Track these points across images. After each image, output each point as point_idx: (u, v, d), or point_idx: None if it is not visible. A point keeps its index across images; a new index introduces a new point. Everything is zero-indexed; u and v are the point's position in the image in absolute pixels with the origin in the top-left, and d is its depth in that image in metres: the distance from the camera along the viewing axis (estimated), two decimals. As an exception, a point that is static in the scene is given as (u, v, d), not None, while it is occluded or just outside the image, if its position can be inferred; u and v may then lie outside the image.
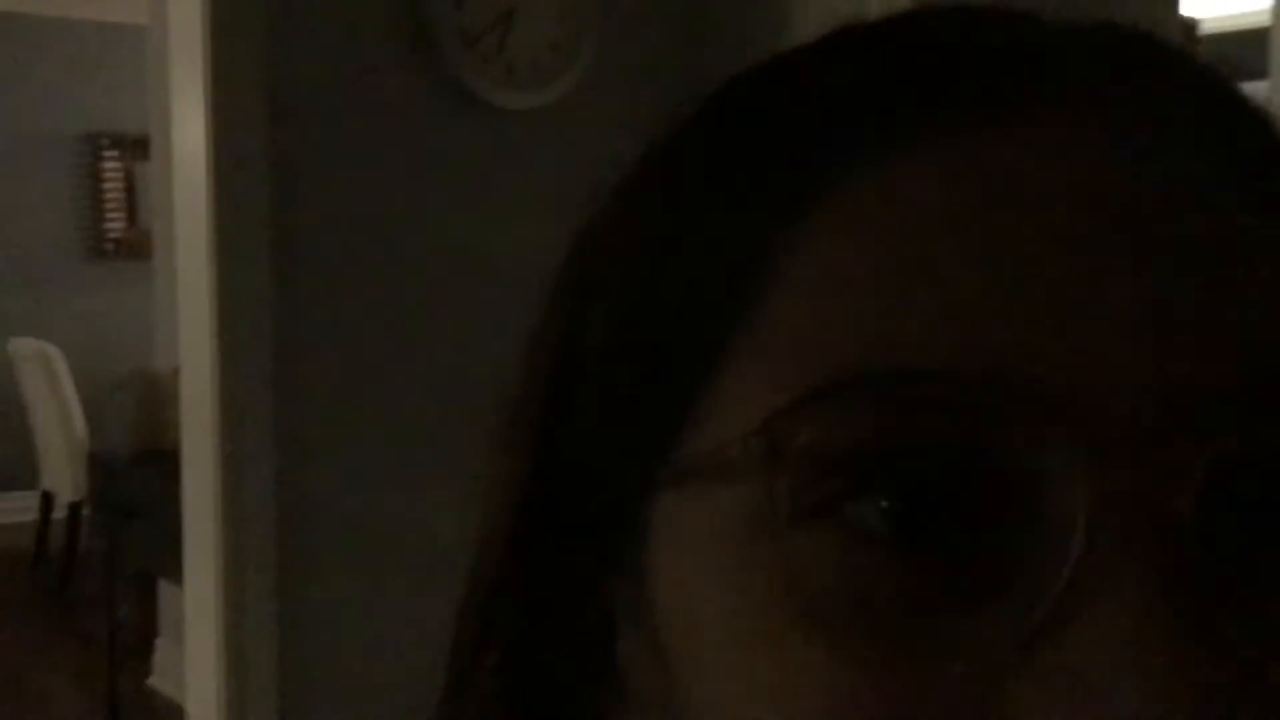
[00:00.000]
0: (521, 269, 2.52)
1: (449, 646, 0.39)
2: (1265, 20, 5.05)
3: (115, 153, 6.97)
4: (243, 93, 2.12)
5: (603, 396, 0.34)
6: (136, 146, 6.91)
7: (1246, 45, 4.65)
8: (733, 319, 0.31)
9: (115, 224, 7.02)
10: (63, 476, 5.51)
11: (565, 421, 0.35)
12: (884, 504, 0.28)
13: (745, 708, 0.30)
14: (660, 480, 0.32)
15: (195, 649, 2.30)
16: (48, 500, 5.83)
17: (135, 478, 3.59)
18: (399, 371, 2.30)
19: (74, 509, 5.51)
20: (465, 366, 2.37)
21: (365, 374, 2.27)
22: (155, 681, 4.47)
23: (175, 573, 3.32)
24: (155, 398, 3.75)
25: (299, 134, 2.19)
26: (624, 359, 0.34)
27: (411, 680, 2.13)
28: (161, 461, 3.55)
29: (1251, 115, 0.33)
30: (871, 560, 0.28)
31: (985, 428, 0.28)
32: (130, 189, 7.00)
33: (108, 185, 6.98)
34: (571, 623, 0.36)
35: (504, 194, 2.38)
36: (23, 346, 5.66)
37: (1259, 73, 5.20)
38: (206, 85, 2.11)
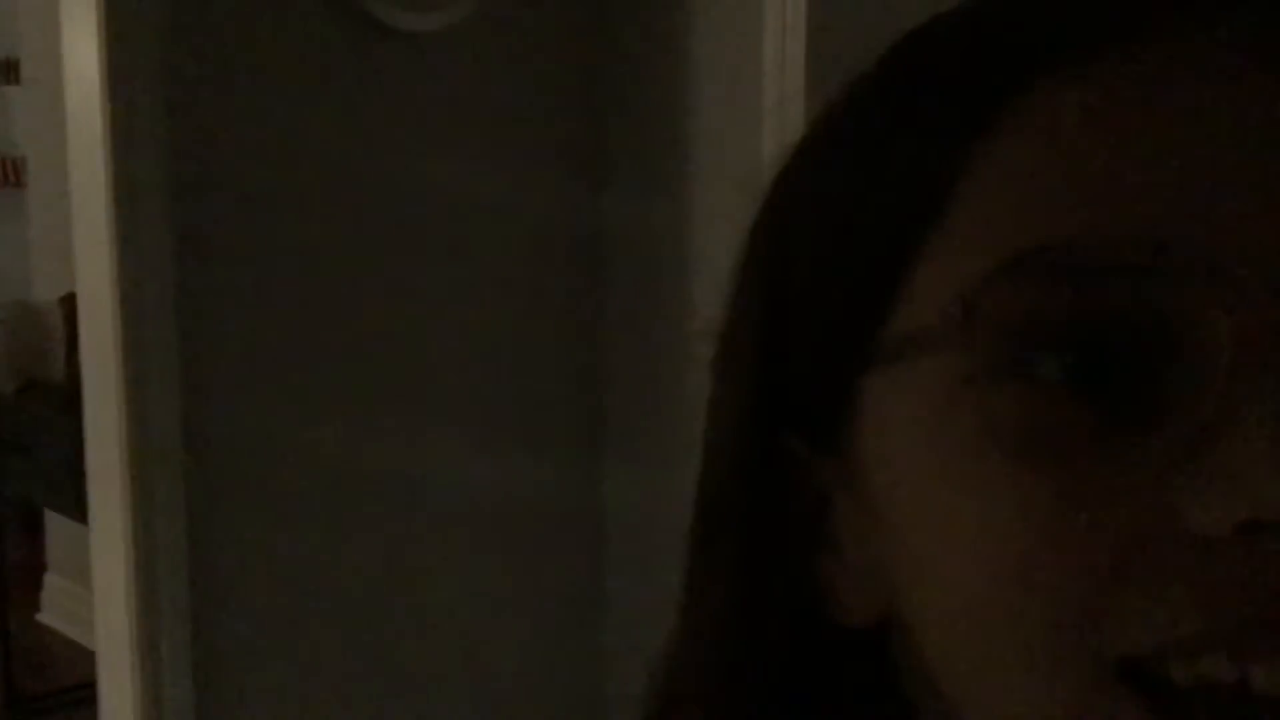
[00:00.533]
0: (418, 190, 2.53)
1: (689, 525, 0.45)
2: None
3: (-23, 77, 6.72)
4: (135, 15, 2.07)
5: (815, 296, 0.40)
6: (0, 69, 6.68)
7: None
8: (929, 217, 0.37)
9: (-21, 151, 6.78)
10: (-64, 413, 5.37)
11: (781, 328, 0.42)
12: (1064, 358, 0.34)
13: (953, 553, 0.36)
14: (869, 363, 0.38)
15: (103, 585, 2.27)
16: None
17: (18, 411, 3.51)
18: (301, 297, 2.28)
19: (-51, 445, 5.37)
20: (368, 290, 2.36)
21: (268, 300, 2.25)
22: (45, 617, 4.40)
23: (65, 506, 3.27)
24: (36, 329, 3.66)
25: (194, 56, 2.14)
26: (834, 261, 0.40)
27: (326, 609, 2.16)
28: (45, 394, 3.48)
29: None
30: (1055, 404, 0.34)
31: (1144, 287, 0.34)
32: (-9, 114, 6.76)
33: (-31, 110, 6.74)
34: (792, 500, 0.42)
35: (401, 117, 2.36)
36: (-113, 279, 5.47)
37: None
38: (99, 7, 2.05)
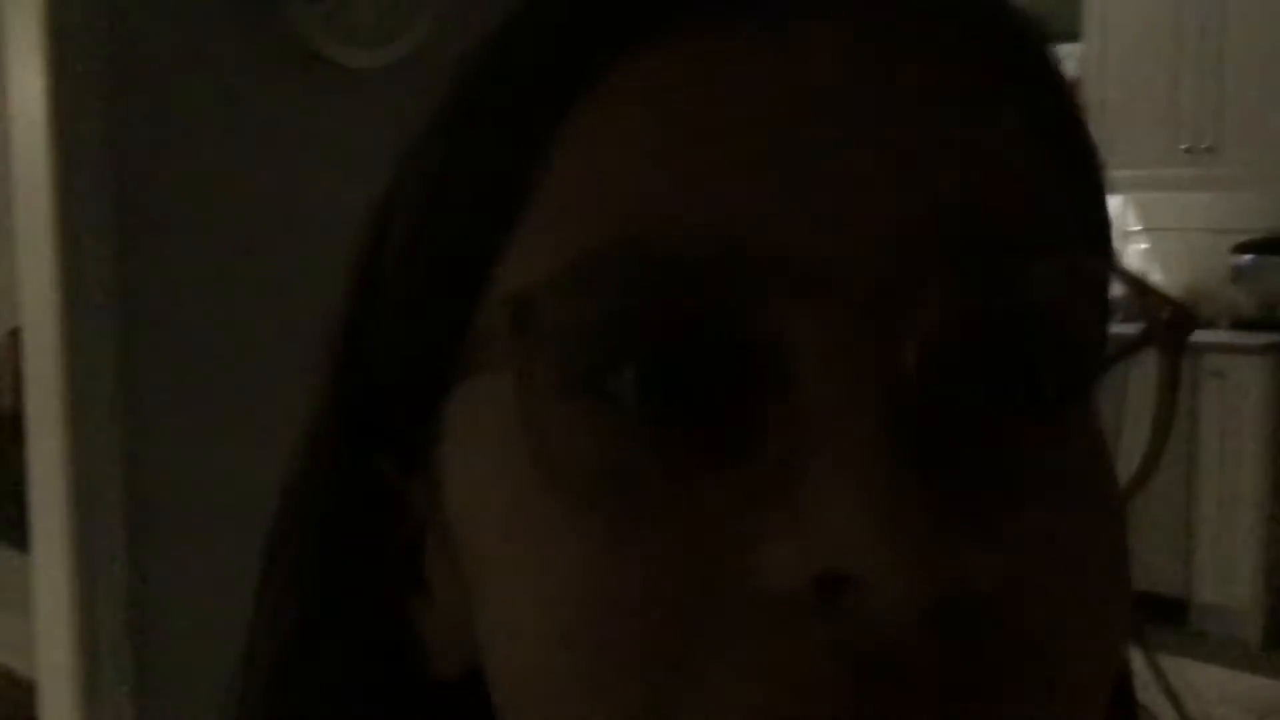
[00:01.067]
0: (359, 225, 2.54)
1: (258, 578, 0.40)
2: (1078, -16, 5.24)
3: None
4: (80, 54, 2.10)
5: (402, 292, 0.35)
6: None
7: (1060, 5, 4.83)
8: (510, 210, 0.32)
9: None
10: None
11: (365, 331, 0.37)
12: (631, 376, 0.29)
13: (517, 604, 0.30)
14: (450, 376, 0.33)
15: (45, 619, 2.27)
16: None
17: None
18: (244, 331, 2.30)
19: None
20: (306, 323, 2.38)
21: (210, 335, 2.27)
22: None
23: (12, 536, 3.26)
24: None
25: (139, 92, 2.17)
26: (417, 260, 0.35)
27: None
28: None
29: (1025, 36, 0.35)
30: (624, 432, 0.29)
31: (723, 296, 0.28)
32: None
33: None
34: (379, 534, 0.36)
35: (345, 152, 2.39)
36: None
37: (1072, 35, 5.42)
38: (44, 43, 2.07)
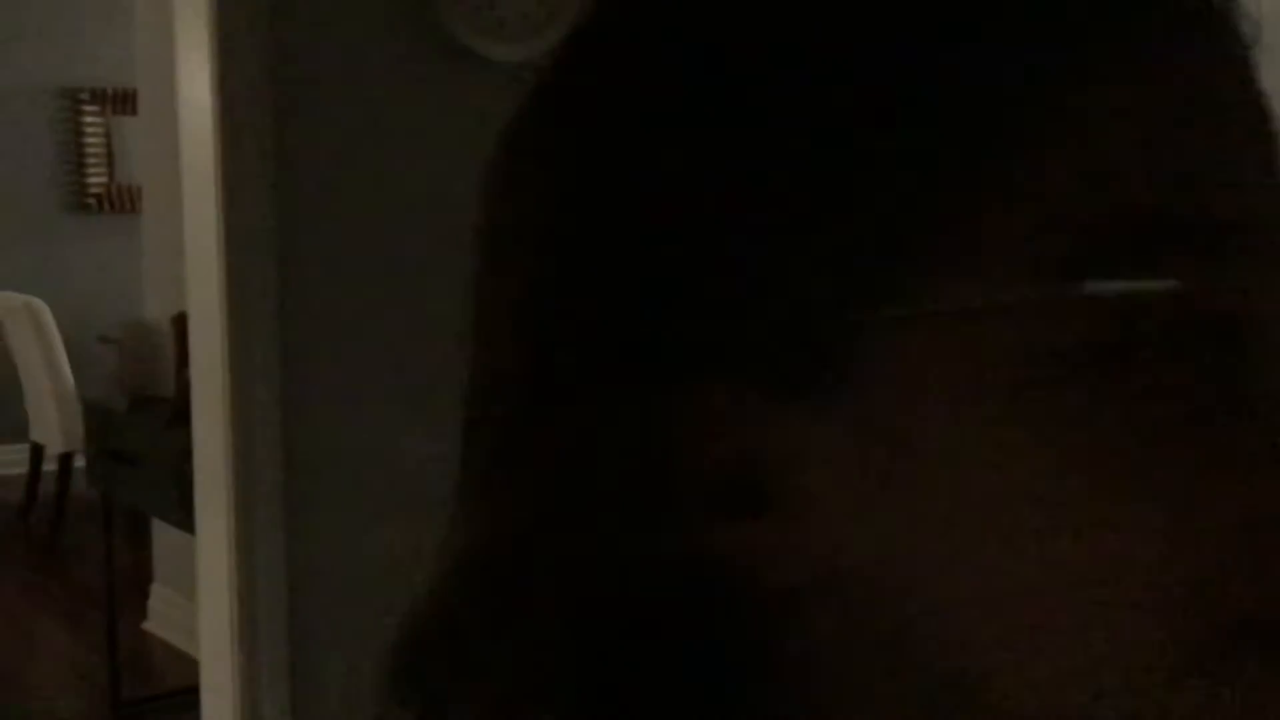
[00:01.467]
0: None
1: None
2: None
3: (95, 107, 6.97)
4: (246, 47, 2.18)
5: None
6: (115, 101, 6.92)
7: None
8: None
9: (96, 178, 7.03)
10: (52, 428, 5.56)
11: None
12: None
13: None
14: (887, 306, 0.35)
15: (207, 594, 2.36)
16: (37, 452, 5.88)
17: (131, 424, 3.65)
18: (402, 316, 2.36)
19: (64, 459, 5.56)
20: (455, 305, 2.44)
21: (369, 319, 2.33)
22: (151, 626, 4.54)
23: (172, 515, 3.39)
24: (149, 346, 3.80)
25: (300, 87, 2.24)
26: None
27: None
28: (156, 408, 3.62)
29: None
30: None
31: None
32: (109, 143, 7.00)
33: (88, 139, 6.99)
34: (689, 455, 0.38)
35: (490, 145, 2.44)
36: (8, 300, 5.68)
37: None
38: (212, 41, 2.16)
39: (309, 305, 2.28)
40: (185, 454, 2.53)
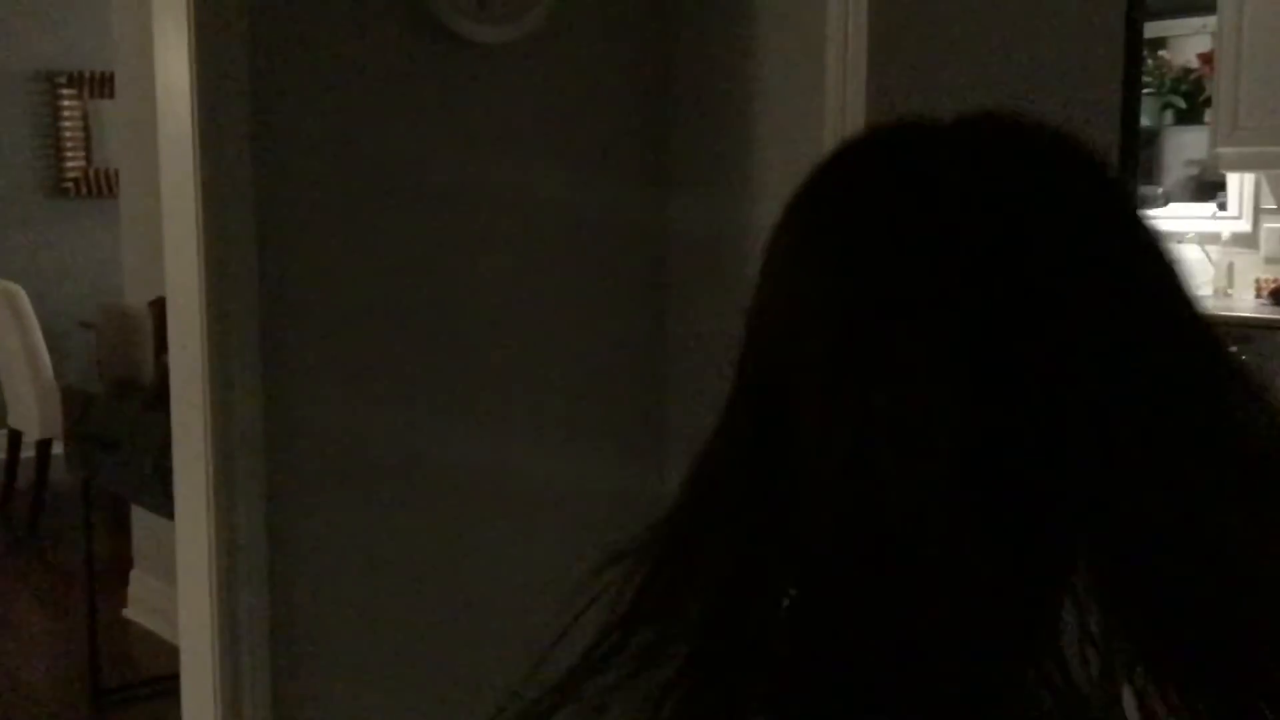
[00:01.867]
0: (490, 201, 2.59)
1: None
2: (1215, -47, 5.10)
3: (72, 90, 6.92)
4: (224, 30, 2.16)
5: None
6: (93, 84, 6.87)
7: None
8: None
9: (74, 163, 6.98)
10: (30, 415, 5.53)
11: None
12: None
13: None
14: None
15: (186, 580, 2.35)
16: (15, 439, 5.86)
17: (110, 409, 3.63)
18: (381, 297, 2.36)
19: (42, 446, 5.53)
20: (441, 290, 2.43)
21: (349, 300, 2.33)
22: (130, 613, 4.53)
23: (152, 500, 3.38)
24: (127, 331, 3.78)
25: (279, 70, 2.23)
26: None
27: (404, 607, 2.22)
28: (135, 393, 3.60)
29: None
30: None
31: None
32: (87, 127, 6.96)
33: (65, 123, 6.94)
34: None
35: (476, 124, 2.44)
36: (-15, 285, 5.65)
37: (1208, 6, 5.27)
38: (189, 22, 2.14)
39: (288, 290, 2.27)
40: (164, 439, 2.52)
